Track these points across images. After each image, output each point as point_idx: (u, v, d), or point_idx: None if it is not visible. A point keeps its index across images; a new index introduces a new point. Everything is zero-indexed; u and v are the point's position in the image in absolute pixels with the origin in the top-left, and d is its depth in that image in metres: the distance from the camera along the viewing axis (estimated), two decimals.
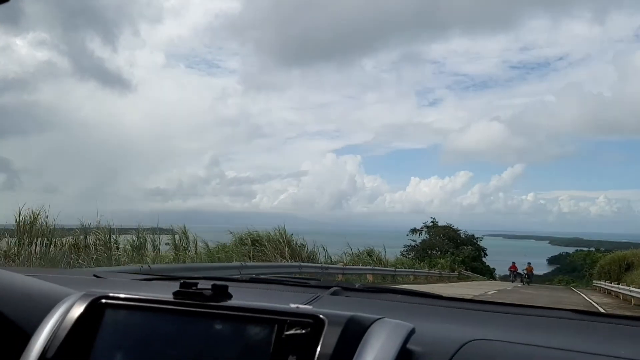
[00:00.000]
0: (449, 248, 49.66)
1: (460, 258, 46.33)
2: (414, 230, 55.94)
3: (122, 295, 1.00)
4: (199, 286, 0.98)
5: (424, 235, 55.10)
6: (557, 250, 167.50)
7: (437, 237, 54.27)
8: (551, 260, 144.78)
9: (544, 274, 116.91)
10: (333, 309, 0.96)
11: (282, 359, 0.86)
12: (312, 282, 1.85)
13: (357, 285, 1.79)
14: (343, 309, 1.01)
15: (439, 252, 40.82)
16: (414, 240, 55.11)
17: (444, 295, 1.78)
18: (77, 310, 1.00)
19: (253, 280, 1.96)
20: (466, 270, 42.60)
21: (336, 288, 1.65)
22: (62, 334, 0.98)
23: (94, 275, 1.89)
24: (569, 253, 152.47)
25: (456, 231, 55.78)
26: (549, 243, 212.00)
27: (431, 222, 56.10)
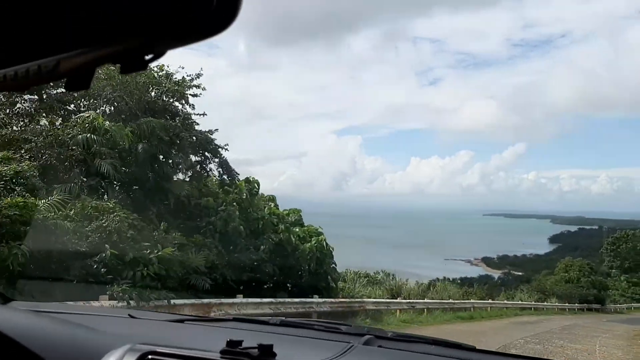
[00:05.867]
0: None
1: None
2: None
3: (169, 351, 1.02)
4: (244, 344, 1.01)
5: None
6: (558, 229, 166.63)
7: None
8: (553, 239, 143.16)
9: (545, 253, 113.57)
10: None
11: None
12: (343, 328, 1.81)
13: (389, 334, 1.76)
14: None
15: None
16: None
17: (477, 347, 1.73)
18: None
19: (284, 324, 1.92)
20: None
21: (369, 336, 1.63)
22: None
23: (129, 315, 1.87)
24: (571, 231, 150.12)
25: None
26: (551, 222, 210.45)
27: None
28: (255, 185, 14.20)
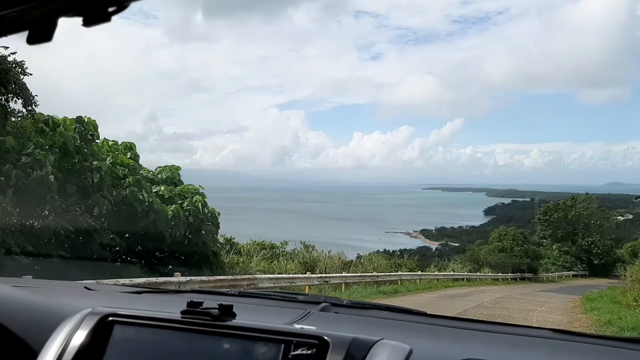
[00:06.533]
0: None
1: None
2: None
3: (130, 313, 1.01)
4: (204, 305, 1.00)
5: None
6: (493, 201, 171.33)
7: None
8: (487, 211, 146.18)
9: (480, 225, 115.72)
10: (327, 327, 0.99)
11: None
12: (300, 297, 1.86)
13: (344, 302, 1.81)
14: (336, 326, 1.06)
15: None
16: None
17: (427, 312, 1.81)
18: (86, 327, 0.99)
19: (241, 295, 1.95)
20: None
21: (325, 304, 1.68)
22: (71, 351, 0.97)
23: (85, 288, 1.86)
24: (504, 203, 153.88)
25: None
26: (486, 195, 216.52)
27: None
28: (92, 127, 10.28)
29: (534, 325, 2.04)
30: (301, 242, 19.76)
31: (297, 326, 1.04)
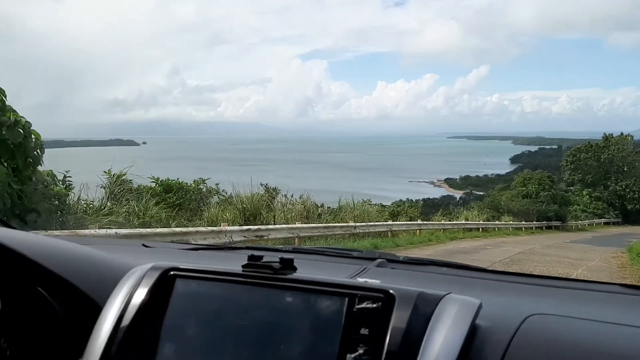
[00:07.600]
0: None
1: None
2: None
3: (191, 267, 1.01)
4: (264, 259, 1.00)
5: None
6: (519, 149, 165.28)
7: None
8: (514, 159, 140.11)
9: (506, 173, 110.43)
10: (387, 282, 0.97)
11: (354, 332, 0.87)
12: (354, 254, 1.79)
13: (400, 258, 1.76)
14: (395, 282, 1.02)
15: None
16: None
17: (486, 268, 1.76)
18: (149, 281, 1.01)
19: (296, 251, 1.90)
20: None
21: (380, 260, 1.63)
22: (135, 304, 0.99)
23: (143, 245, 1.84)
24: (531, 151, 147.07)
25: None
26: (512, 143, 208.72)
27: None
28: None
29: (602, 281, 1.67)
30: (261, 185, 15.19)
31: (361, 280, 0.98)
